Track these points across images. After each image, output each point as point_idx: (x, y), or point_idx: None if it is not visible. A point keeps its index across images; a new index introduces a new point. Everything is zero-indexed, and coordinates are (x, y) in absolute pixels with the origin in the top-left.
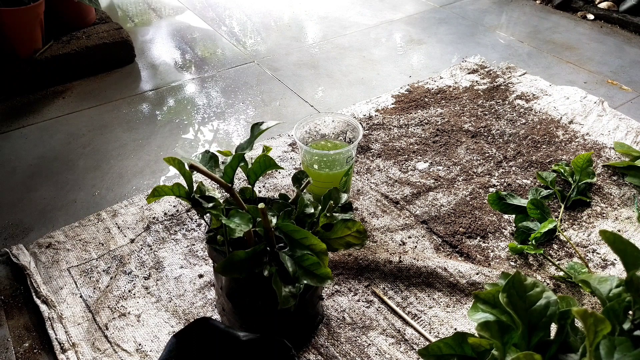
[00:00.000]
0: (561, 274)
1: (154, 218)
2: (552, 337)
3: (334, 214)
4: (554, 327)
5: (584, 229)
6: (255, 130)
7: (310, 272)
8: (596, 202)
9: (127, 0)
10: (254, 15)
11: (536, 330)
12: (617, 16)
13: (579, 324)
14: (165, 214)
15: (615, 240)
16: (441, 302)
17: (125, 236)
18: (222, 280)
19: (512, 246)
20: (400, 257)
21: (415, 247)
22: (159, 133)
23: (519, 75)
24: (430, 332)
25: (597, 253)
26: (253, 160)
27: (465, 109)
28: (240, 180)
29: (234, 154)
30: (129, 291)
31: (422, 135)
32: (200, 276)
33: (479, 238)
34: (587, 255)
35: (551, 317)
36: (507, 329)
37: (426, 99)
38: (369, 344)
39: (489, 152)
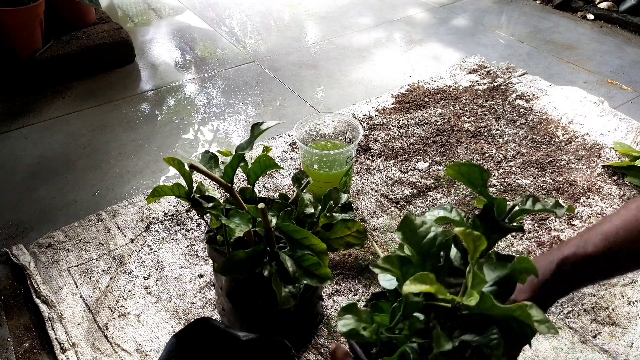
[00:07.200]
0: None
1: (154, 218)
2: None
3: (334, 214)
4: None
5: (584, 229)
6: (255, 130)
7: (310, 272)
8: (596, 202)
9: (127, 0)
10: (254, 15)
11: (429, 259)
12: (617, 16)
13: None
14: (165, 214)
15: (459, 168)
16: None
17: (125, 236)
18: (222, 280)
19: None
20: None
21: None
22: (159, 133)
23: (519, 75)
24: None
25: None
26: (253, 160)
27: (465, 109)
28: (240, 180)
29: (234, 154)
30: (129, 291)
31: (422, 135)
32: (200, 276)
33: None
34: None
35: (439, 246)
36: (405, 261)
37: (426, 99)
38: None
39: (489, 152)
